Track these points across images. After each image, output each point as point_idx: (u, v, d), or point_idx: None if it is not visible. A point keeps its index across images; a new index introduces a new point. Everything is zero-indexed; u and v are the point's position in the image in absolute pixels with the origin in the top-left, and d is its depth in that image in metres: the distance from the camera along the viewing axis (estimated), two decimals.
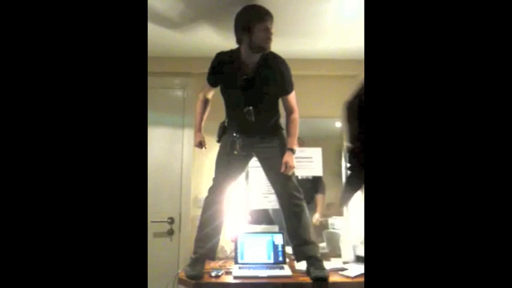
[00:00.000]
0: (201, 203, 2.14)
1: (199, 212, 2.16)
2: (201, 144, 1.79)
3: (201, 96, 1.83)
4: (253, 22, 1.50)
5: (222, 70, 1.65)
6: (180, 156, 2.33)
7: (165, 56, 2.29)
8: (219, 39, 2.02)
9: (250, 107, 1.62)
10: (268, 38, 1.52)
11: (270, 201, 2.15)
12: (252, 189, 2.19)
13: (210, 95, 1.83)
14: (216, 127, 1.82)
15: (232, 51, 1.65)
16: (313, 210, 2.23)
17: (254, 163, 1.86)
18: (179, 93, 2.41)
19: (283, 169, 1.59)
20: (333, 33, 1.98)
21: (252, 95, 1.63)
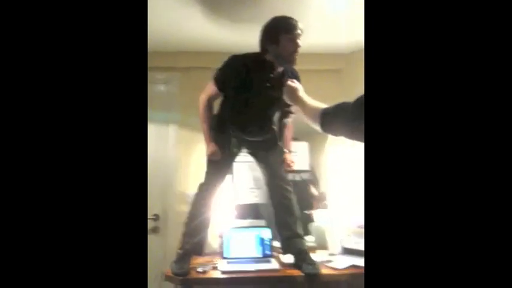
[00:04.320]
0: (188, 199, 2.11)
1: (185, 208, 2.13)
2: (214, 155, 1.65)
3: (205, 101, 1.68)
4: (281, 33, 1.50)
5: (244, 73, 1.58)
6: (165, 152, 2.30)
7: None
8: (204, 32, 2.00)
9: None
10: (294, 50, 1.51)
11: (257, 196, 2.14)
12: (238, 184, 2.18)
13: (215, 100, 1.72)
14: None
15: (254, 55, 1.59)
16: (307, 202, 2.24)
17: (239, 158, 1.85)
18: (162, 88, 2.37)
19: (287, 167, 1.76)
20: (316, 27, 1.98)
21: (267, 100, 1.63)
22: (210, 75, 2.32)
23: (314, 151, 2.30)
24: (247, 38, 2.11)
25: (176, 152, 2.30)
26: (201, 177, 2.12)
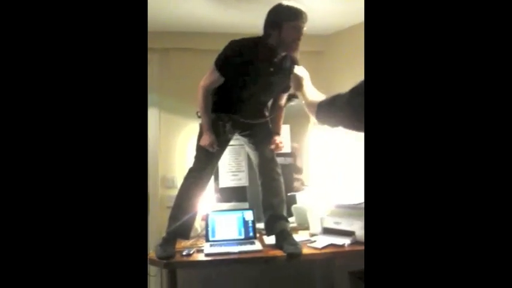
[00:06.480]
0: (170, 183, 2.10)
1: (168, 192, 2.13)
2: (212, 146, 1.64)
3: (205, 91, 1.62)
4: (284, 20, 1.48)
5: (247, 58, 1.55)
6: None
7: None
8: (182, 11, 1.94)
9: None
10: (297, 38, 1.50)
11: (240, 179, 2.16)
12: (220, 167, 2.19)
13: (214, 88, 1.65)
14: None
15: (255, 40, 1.56)
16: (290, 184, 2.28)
17: None
18: None
19: (273, 147, 1.74)
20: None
21: (266, 85, 1.63)
22: (190, 56, 2.27)
23: (295, 134, 2.31)
24: (227, 17, 2.07)
25: (157, 136, 2.27)
26: (183, 161, 2.12)
